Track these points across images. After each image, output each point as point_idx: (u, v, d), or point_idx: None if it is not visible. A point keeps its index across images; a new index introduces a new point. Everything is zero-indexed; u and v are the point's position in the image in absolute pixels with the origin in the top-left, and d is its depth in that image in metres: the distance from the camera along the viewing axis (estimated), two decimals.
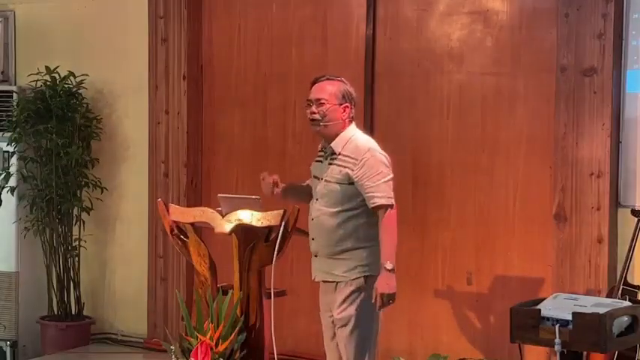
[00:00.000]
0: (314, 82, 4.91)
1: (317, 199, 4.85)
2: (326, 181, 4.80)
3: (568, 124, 5.89)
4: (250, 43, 7.01)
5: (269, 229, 4.98)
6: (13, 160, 7.15)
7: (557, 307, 4.69)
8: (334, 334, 4.88)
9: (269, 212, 4.95)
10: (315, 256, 4.90)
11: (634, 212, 5.50)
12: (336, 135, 4.80)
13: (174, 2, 7.09)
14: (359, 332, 4.77)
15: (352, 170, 4.70)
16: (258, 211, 4.97)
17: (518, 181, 6.17)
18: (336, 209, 4.76)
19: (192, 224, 5.13)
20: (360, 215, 4.76)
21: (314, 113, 4.82)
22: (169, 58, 7.12)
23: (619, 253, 5.81)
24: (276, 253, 4.91)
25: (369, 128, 6.47)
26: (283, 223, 4.90)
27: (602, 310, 4.54)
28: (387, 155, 4.79)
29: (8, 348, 7.18)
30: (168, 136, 7.14)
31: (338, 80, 4.88)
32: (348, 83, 4.90)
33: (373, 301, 4.66)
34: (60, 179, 7.06)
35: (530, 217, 6.12)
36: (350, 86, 4.89)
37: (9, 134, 7.11)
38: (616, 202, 5.88)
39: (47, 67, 7.13)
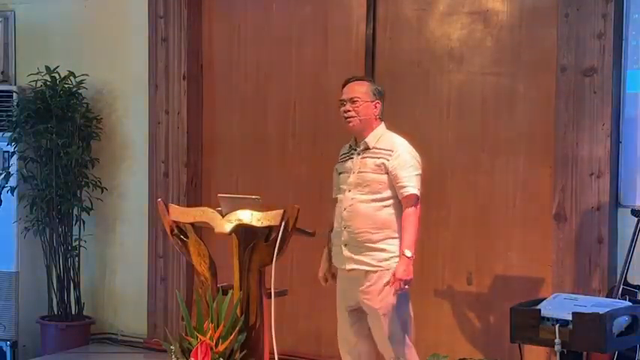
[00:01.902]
0: (345, 83, 5.22)
1: (349, 190, 5.07)
2: (359, 172, 5.05)
3: (568, 124, 5.89)
4: (250, 43, 7.01)
5: (269, 229, 4.98)
6: (13, 160, 7.14)
7: (557, 307, 4.69)
8: (354, 321, 5.16)
9: (269, 212, 4.95)
10: (345, 245, 5.05)
11: (634, 212, 5.50)
12: (369, 131, 5.11)
13: (174, 2, 7.09)
14: (399, 319, 5.02)
15: (388, 160, 5.00)
16: (258, 211, 4.97)
17: (518, 181, 6.17)
18: (371, 197, 5.01)
19: (192, 224, 5.13)
20: (393, 206, 5.01)
21: (349, 111, 5.11)
22: (169, 58, 7.12)
23: (619, 253, 5.81)
24: (276, 253, 4.91)
25: None
26: (283, 223, 4.90)
27: (602, 310, 4.55)
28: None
29: (8, 348, 7.18)
30: (168, 136, 7.14)
31: (367, 80, 5.27)
32: (374, 82, 5.28)
33: (390, 285, 4.90)
34: (60, 179, 7.06)
35: (530, 217, 6.11)
36: (378, 84, 5.25)
37: (9, 134, 7.11)
38: (616, 202, 5.88)
39: (47, 67, 7.13)
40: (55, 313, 7.23)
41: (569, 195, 5.89)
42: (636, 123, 5.87)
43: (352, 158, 5.12)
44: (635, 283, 5.49)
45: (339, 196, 5.13)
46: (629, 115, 5.88)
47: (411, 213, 4.93)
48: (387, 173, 4.99)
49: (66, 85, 7.14)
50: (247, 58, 7.02)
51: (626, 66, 5.88)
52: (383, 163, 4.99)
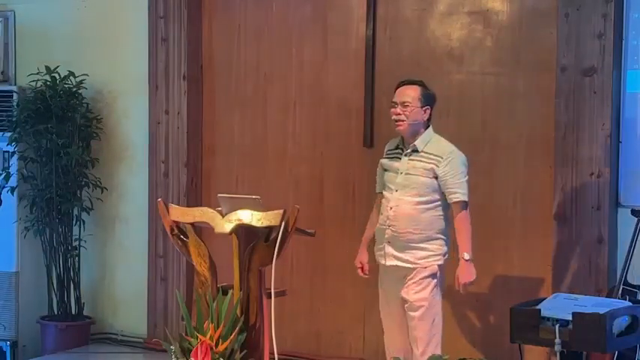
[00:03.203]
0: (398, 86, 5.33)
1: (396, 190, 5.23)
2: (407, 174, 5.20)
3: (568, 124, 5.89)
4: (250, 43, 7.01)
5: (269, 229, 4.97)
6: (13, 160, 7.14)
7: (557, 307, 4.69)
8: (398, 311, 5.28)
9: (269, 212, 4.94)
10: (388, 242, 5.23)
11: (634, 212, 5.50)
12: (417, 134, 5.25)
13: (174, 2, 7.08)
14: (430, 314, 5.19)
15: (437, 166, 5.16)
16: (258, 211, 4.97)
17: (518, 181, 6.17)
18: (417, 199, 5.18)
19: (192, 224, 5.13)
20: (437, 208, 5.20)
21: (399, 114, 5.22)
22: (169, 58, 7.11)
23: (619, 253, 5.81)
24: (276, 253, 4.90)
25: (369, 128, 6.47)
26: (283, 223, 4.89)
27: (602, 310, 4.55)
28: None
29: (8, 348, 7.18)
30: (168, 136, 7.14)
31: (420, 84, 5.32)
32: (427, 87, 5.33)
33: (457, 288, 5.15)
34: (60, 179, 7.06)
35: (530, 217, 6.11)
36: (430, 89, 5.33)
37: (9, 134, 7.11)
38: (616, 202, 5.88)
39: (47, 67, 7.12)
40: (55, 313, 7.22)
41: (569, 195, 5.89)
42: (636, 123, 5.87)
43: (400, 158, 5.26)
44: (635, 283, 5.49)
45: (385, 194, 5.29)
46: (629, 115, 5.88)
47: (464, 218, 5.13)
48: (435, 177, 5.16)
49: (66, 85, 7.14)
50: (247, 58, 7.02)
51: (626, 66, 5.88)
52: (432, 168, 5.16)
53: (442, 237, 5.22)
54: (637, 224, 5.43)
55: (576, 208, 5.87)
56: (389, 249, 5.23)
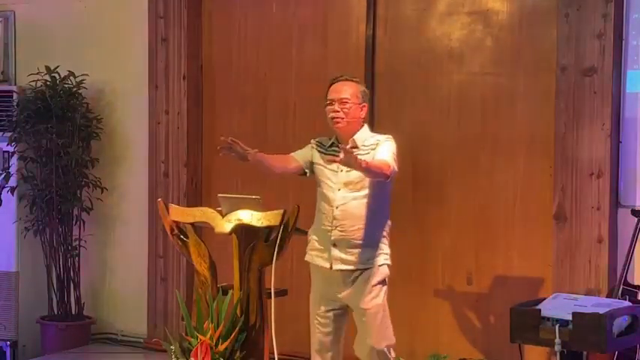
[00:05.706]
0: (332, 82, 5.13)
1: (339, 189, 5.03)
2: (349, 170, 4.91)
3: (568, 124, 5.89)
4: (250, 43, 7.01)
5: (269, 229, 4.97)
6: (13, 160, 7.15)
7: (557, 307, 4.69)
8: (333, 322, 5.22)
9: (269, 212, 4.95)
10: (334, 245, 5.03)
11: (634, 212, 5.50)
12: (355, 132, 5.07)
13: (174, 2, 7.09)
14: (387, 318, 5.09)
15: (374, 150, 4.97)
16: (258, 211, 4.97)
17: (518, 181, 6.17)
18: (363, 193, 4.99)
19: (192, 224, 5.13)
20: (381, 205, 5.03)
21: (337, 112, 5.05)
22: (169, 58, 7.12)
23: (619, 253, 5.81)
24: (276, 253, 4.91)
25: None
26: (283, 223, 4.90)
27: (602, 310, 4.54)
28: None
29: (8, 348, 7.18)
30: (168, 136, 7.14)
31: (355, 81, 5.15)
32: (362, 84, 5.20)
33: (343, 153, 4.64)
34: (60, 179, 7.07)
35: (530, 217, 6.11)
36: (364, 86, 5.20)
37: (9, 134, 7.12)
38: (616, 202, 5.88)
39: (47, 67, 7.13)
40: (55, 313, 7.23)
41: (569, 195, 5.89)
42: (636, 123, 5.87)
43: (338, 156, 4.86)
44: (635, 283, 5.50)
45: (326, 193, 5.06)
46: (629, 115, 5.88)
47: (384, 163, 4.85)
48: None
49: (66, 85, 7.14)
50: (247, 58, 7.02)
51: (626, 66, 5.88)
52: (372, 155, 4.95)
53: (386, 236, 5.07)
54: (637, 224, 5.43)
55: (576, 208, 5.87)
56: (335, 252, 5.03)
